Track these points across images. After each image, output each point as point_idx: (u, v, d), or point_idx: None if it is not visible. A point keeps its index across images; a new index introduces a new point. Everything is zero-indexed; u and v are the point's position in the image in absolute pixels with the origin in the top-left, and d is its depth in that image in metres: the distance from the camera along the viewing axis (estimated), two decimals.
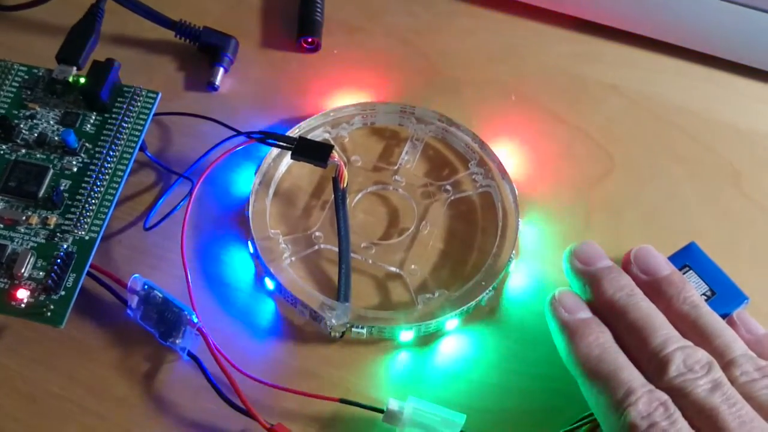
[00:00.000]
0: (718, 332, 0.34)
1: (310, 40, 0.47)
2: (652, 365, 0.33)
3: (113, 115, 0.40)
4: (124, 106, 0.41)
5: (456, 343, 0.39)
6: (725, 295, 0.38)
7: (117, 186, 0.39)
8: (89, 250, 0.37)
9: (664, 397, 0.32)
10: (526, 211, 0.42)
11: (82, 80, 0.40)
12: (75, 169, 0.39)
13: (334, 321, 0.37)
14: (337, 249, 0.39)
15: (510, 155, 0.43)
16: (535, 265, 0.41)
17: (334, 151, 0.39)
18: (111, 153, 0.39)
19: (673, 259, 0.38)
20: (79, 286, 0.36)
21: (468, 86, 0.46)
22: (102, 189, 0.38)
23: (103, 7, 0.43)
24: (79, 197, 0.38)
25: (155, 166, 0.42)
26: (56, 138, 0.40)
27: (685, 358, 0.33)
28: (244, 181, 0.42)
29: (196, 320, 0.36)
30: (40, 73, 0.41)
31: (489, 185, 0.42)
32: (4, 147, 0.39)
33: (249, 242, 0.40)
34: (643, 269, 0.37)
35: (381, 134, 0.45)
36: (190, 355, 0.36)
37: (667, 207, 0.43)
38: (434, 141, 0.44)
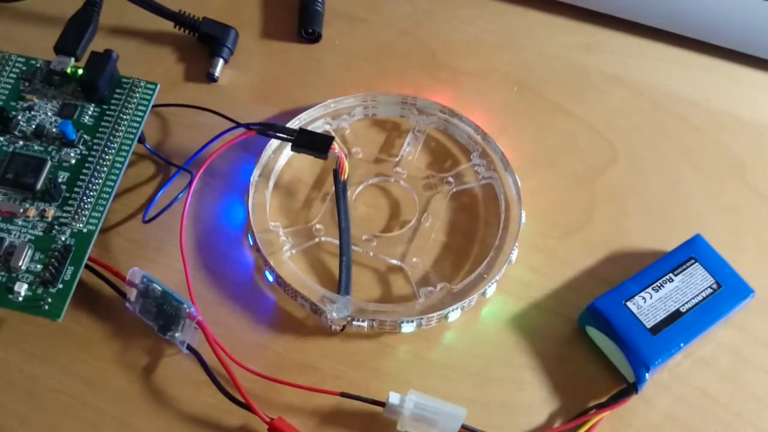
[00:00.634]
0: None
1: (310, 30, 0.47)
2: None
3: (112, 107, 0.40)
4: (123, 98, 0.40)
5: (457, 336, 0.38)
6: (731, 288, 0.37)
7: (115, 178, 0.38)
8: (87, 243, 0.37)
9: None
10: (528, 203, 0.41)
11: (80, 71, 0.40)
12: (73, 161, 0.39)
13: (334, 314, 0.37)
14: (337, 241, 0.39)
15: (512, 146, 0.43)
16: (538, 257, 0.40)
17: (334, 143, 0.38)
18: (109, 145, 0.39)
19: (679, 251, 0.38)
20: (77, 279, 0.36)
21: (470, 77, 0.46)
22: (100, 181, 0.38)
23: None
24: (77, 189, 0.38)
25: (154, 158, 0.42)
26: (54, 130, 0.39)
27: None
28: (244, 173, 0.42)
29: (195, 313, 0.36)
30: (38, 65, 0.41)
31: (491, 177, 0.42)
32: (1, 139, 0.39)
33: (249, 235, 0.40)
34: None
35: (382, 126, 0.44)
36: (190, 348, 0.36)
37: (672, 198, 0.42)
38: (436, 132, 0.44)
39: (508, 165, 0.41)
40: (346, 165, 0.39)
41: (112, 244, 0.40)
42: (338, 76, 0.46)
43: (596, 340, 0.38)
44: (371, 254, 0.40)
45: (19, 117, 0.40)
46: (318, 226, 0.41)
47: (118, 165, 0.39)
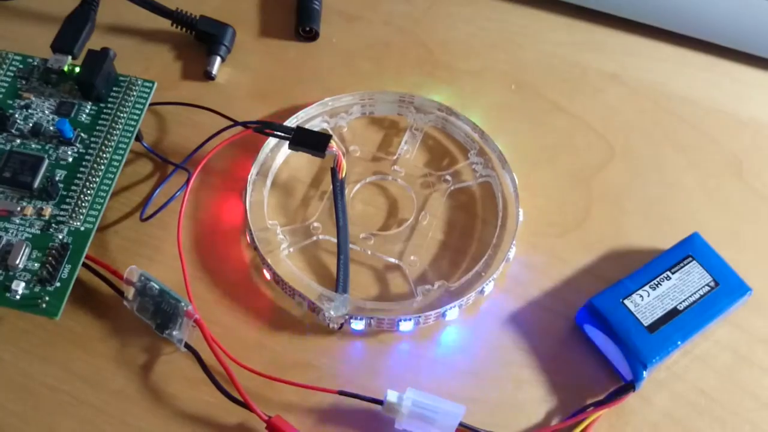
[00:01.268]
0: None
1: (308, 29, 0.46)
2: None
3: (109, 105, 0.40)
4: (120, 96, 0.40)
5: (455, 334, 0.38)
6: (728, 286, 0.37)
7: (113, 176, 0.38)
8: (85, 241, 0.37)
9: None
10: (526, 201, 0.41)
11: (78, 69, 0.40)
12: (70, 160, 0.38)
13: (332, 312, 0.37)
14: (335, 240, 0.39)
15: (510, 145, 0.43)
16: (535, 255, 0.40)
17: (332, 141, 0.38)
18: (107, 143, 0.39)
19: (676, 249, 0.38)
20: (75, 277, 0.36)
21: (467, 75, 0.46)
22: (97, 179, 0.38)
23: None
24: (74, 188, 0.38)
25: (151, 157, 0.42)
26: (51, 128, 0.39)
27: None
28: (242, 171, 0.42)
29: (192, 311, 0.36)
30: (35, 63, 0.41)
31: (489, 175, 0.42)
32: None
33: (246, 233, 0.40)
34: None
35: (380, 124, 0.44)
36: (187, 346, 0.36)
37: (669, 197, 0.42)
38: (434, 130, 0.44)
39: (506, 163, 0.42)
40: (344, 163, 0.39)
41: (110, 242, 0.40)
42: (336, 75, 0.46)
43: (594, 338, 0.38)
44: (369, 252, 0.40)
45: (17, 115, 0.39)
46: (316, 224, 0.41)
47: (115, 163, 0.39)
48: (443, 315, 0.38)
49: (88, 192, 0.38)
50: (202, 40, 0.46)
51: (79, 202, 0.37)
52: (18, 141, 0.39)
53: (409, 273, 0.40)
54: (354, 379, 0.37)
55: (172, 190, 0.40)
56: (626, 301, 0.37)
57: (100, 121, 0.40)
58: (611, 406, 0.36)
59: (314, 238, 0.40)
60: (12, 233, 0.37)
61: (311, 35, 0.47)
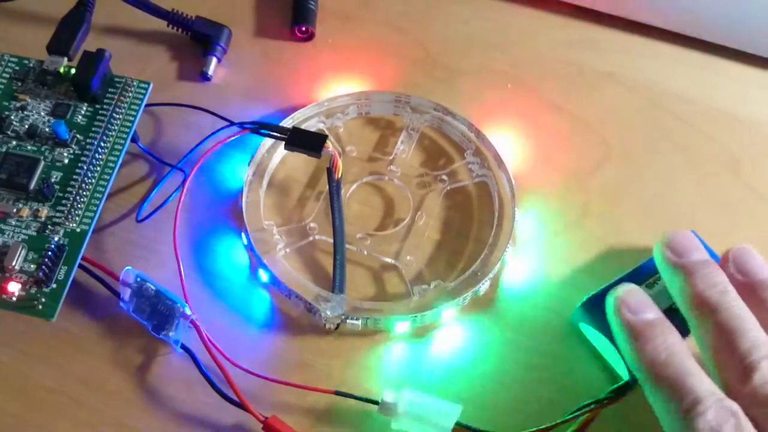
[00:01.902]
0: None
1: (303, 29, 0.46)
2: (736, 370, 0.31)
3: (104, 106, 0.40)
4: (116, 97, 0.40)
5: (452, 334, 0.38)
6: None
7: (108, 178, 0.38)
8: (81, 243, 0.37)
9: (735, 406, 0.30)
10: (522, 200, 0.41)
11: (73, 71, 0.40)
12: (66, 161, 0.38)
13: (329, 312, 0.37)
14: (331, 240, 0.39)
15: (506, 144, 0.43)
16: (532, 255, 0.40)
17: (328, 141, 0.38)
18: (102, 144, 0.39)
19: None
20: (71, 278, 0.36)
21: (463, 74, 0.46)
22: (93, 181, 0.38)
23: None
24: (70, 189, 0.38)
25: (147, 158, 0.42)
26: (47, 129, 0.39)
27: None
28: (238, 171, 0.42)
29: (189, 312, 0.36)
30: (31, 64, 0.41)
31: (485, 175, 0.42)
32: None
33: (243, 234, 0.40)
34: (740, 269, 0.35)
35: (376, 124, 0.44)
36: (184, 347, 0.36)
37: (666, 195, 0.42)
38: (430, 130, 0.44)
39: (502, 163, 0.41)
40: (340, 163, 0.39)
41: (106, 243, 0.40)
42: (332, 75, 0.46)
43: (590, 338, 0.38)
44: (365, 252, 0.40)
45: (12, 117, 0.39)
46: (312, 224, 0.41)
47: (111, 164, 0.39)
48: (440, 315, 0.38)
49: (84, 193, 0.38)
50: (197, 41, 0.46)
51: (75, 203, 0.37)
52: (14, 143, 0.39)
53: (406, 273, 0.40)
54: (350, 380, 0.37)
55: (168, 191, 0.40)
56: None
57: (95, 123, 0.40)
58: (608, 405, 0.35)
59: (310, 238, 0.40)
60: (8, 235, 0.37)
61: (307, 35, 0.47)
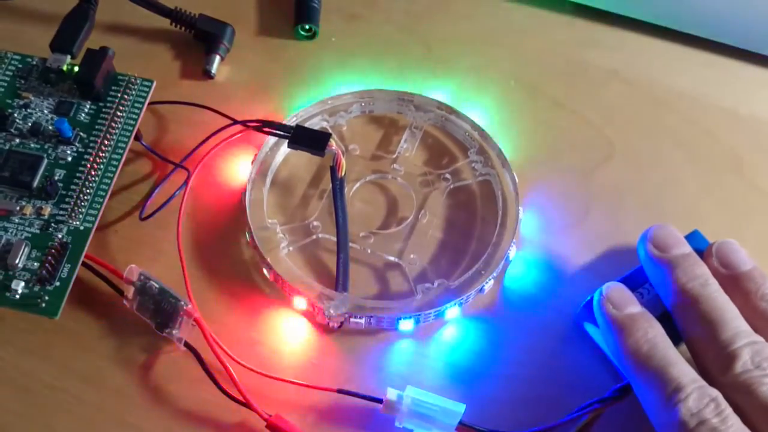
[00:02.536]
0: None
1: (307, 27, 0.46)
2: (718, 359, 0.32)
3: (108, 104, 0.40)
4: (119, 95, 0.40)
5: (455, 332, 0.38)
6: None
7: (112, 176, 0.38)
8: (84, 241, 0.37)
9: (715, 393, 0.31)
10: (526, 199, 0.41)
11: (76, 69, 0.40)
12: (69, 159, 0.38)
13: (332, 311, 0.37)
14: (335, 238, 0.39)
15: (509, 142, 0.43)
16: (535, 253, 0.40)
17: (331, 140, 0.38)
18: (106, 142, 0.39)
19: None
20: (74, 276, 0.36)
21: (467, 73, 0.46)
22: (97, 179, 0.38)
23: None
24: (73, 187, 0.38)
25: (151, 156, 0.42)
26: (50, 127, 0.39)
27: (753, 354, 0.32)
28: (241, 170, 0.42)
29: (192, 310, 0.36)
30: (34, 62, 0.41)
31: (489, 173, 0.42)
32: None
33: (246, 232, 0.40)
34: (723, 262, 0.36)
35: (379, 122, 0.44)
36: (187, 345, 0.36)
37: (669, 193, 0.42)
38: (433, 129, 0.44)
39: (506, 161, 0.41)
40: (344, 162, 0.39)
41: (109, 241, 0.40)
42: (335, 73, 0.46)
43: (594, 336, 0.37)
44: (369, 251, 0.40)
45: (16, 114, 0.39)
46: (315, 223, 0.41)
47: (114, 162, 0.39)
48: (443, 313, 0.38)
49: (88, 191, 0.38)
50: (201, 39, 0.46)
51: (79, 201, 0.37)
52: (17, 140, 0.39)
53: (409, 271, 0.40)
54: (354, 378, 0.37)
55: (171, 189, 0.40)
56: None
57: (99, 121, 0.39)
58: (612, 404, 0.35)
59: (314, 236, 0.40)
60: (11, 233, 0.37)
61: (310, 34, 0.47)
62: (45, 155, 0.38)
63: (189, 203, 0.41)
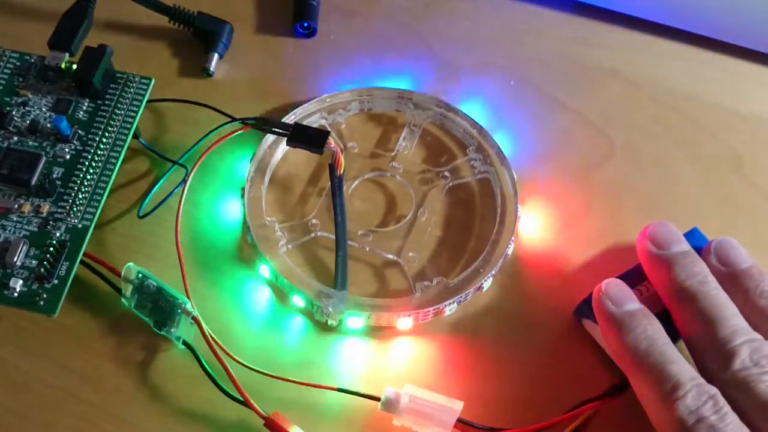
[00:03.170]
0: None
1: (306, 25, 0.46)
2: (717, 357, 0.32)
3: (106, 102, 0.40)
4: (117, 93, 0.40)
5: (454, 330, 0.38)
6: None
7: (110, 173, 0.38)
8: (82, 239, 0.37)
9: (713, 390, 0.31)
10: (525, 197, 0.41)
11: (75, 67, 0.40)
12: (68, 157, 0.38)
13: (331, 309, 0.37)
14: (333, 236, 0.39)
15: (509, 141, 0.43)
16: (534, 251, 0.40)
17: (330, 138, 0.38)
18: (104, 140, 0.39)
19: None
20: (73, 274, 0.36)
21: (466, 71, 0.46)
22: (95, 176, 0.38)
23: None
24: (71, 185, 0.38)
25: (149, 154, 0.42)
26: (48, 125, 0.39)
27: (752, 351, 0.32)
28: (240, 168, 0.42)
29: (190, 309, 0.36)
30: (32, 60, 0.41)
31: (488, 171, 0.42)
32: None
33: (244, 230, 0.40)
34: (722, 260, 0.35)
35: (378, 120, 0.44)
36: (185, 344, 0.36)
37: (669, 192, 0.42)
38: (432, 127, 0.44)
39: (505, 159, 0.41)
40: (342, 160, 0.39)
41: (108, 239, 0.40)
42: (334, 71, 0.45)
43: (593, 333, 0.37)
44: (367, 249, 0.40)
45: (14, 112, 0.39)
46: (314, 221, 0.41)
47: (112, 160, 0.38)
48: (442, 311, 0.38)
49: (86, 189, 0.38)
50: (199, 37, 0.45)
51: (77, 199, 0.37)
52: (15, 138, 0.39)
53: (408, 269, 0.39)
54: (352, 376, 0.37)
55: (169, 187, 0.40)
56: None
57: (97, 118, 0.39)
58: (611, 401, 0.35)
59: (312, 234, 0.40)
60: (9, 231, 0.37)
61: (309, 31, 0.47)
62: (43, 153, 0.38)
63: (187, 201, 0.40)
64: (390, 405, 0.35)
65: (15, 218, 0.37)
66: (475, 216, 0.41)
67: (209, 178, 0.42)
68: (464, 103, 0.43)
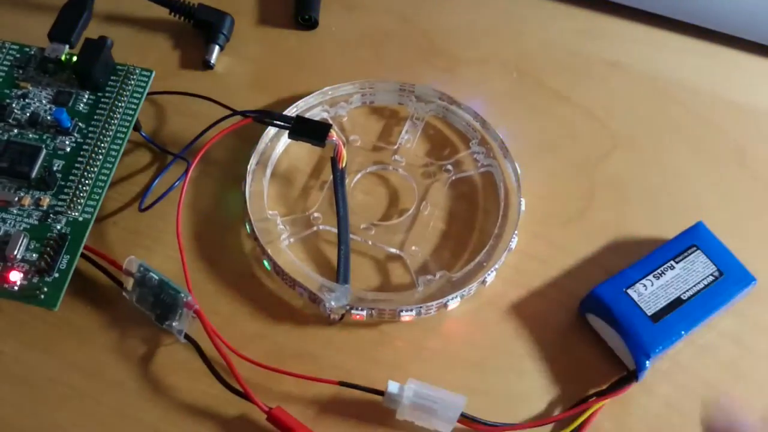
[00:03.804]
0: None
1: (307, 17, 0.46)
2: None
3: (106, 94, 0.40)
4: (118, 85, 0.40)
5: (457, 324, 0.38)
6: (733, 276, 0.37)
7: (111, 166, 0.38)
8: (83, 232, 0.36)
9: None
10: (528, 190, 0.41)
11: (75, 59, 0.39)
12: (68, 149, 0.38)
13: (333, 303, 0.37)
14: (336, 230, 0.39)
15: (511, 134, 0.42)
16: (538, 245, 0.40)
17: (332, 131, 0.38)
18: (105, 133, 0.39)
19: (680, 239, 0.38)
20: (73, 268, 0.36)
21: (469, 63, 0.45)
22: (96, 169, 0.38)
23: None
24: (72, 178, 0.37)
25: (150, 146, 0.42)
26: (49, 117, 0.39)
27: None
28: (241, 161, 0.41)
29: (192, 302, 0.35)
30: (32, 52, 0.41)
31: (490, 164, 0.42)
32: None
33: (246, 223, 0.40)
34: None
35: (380, 113, 0.44)
36: (187, 337, 0.36)
37: (672, 185, 0.42)
38: (435, 120, 0.44)
39: (508, 152, 0.41)
40: (344, 153, 0.39)
41: (109, 232, 0.40)
42: (335, 63, 0.45)
43: (596, 328, 0.37)
44: (370, 243, 0.40)
45: (14, 105, 0.39)
46: (316, 214, 0.40)
47: (113, 153, 0.38)
48: (445, 305, 0.38)
49: (87, 182, 0.37)
50: (200, 29, 0.45)
51: (78, 192, 0.37)
52: (15, 131, 0.38)
53: (411, 263, 0.39)
54: (355, 370, 0.37)
55: (171, 180, 0.40)
56: (630, 291, 0.36)
57: (97, 111, 0.39)
58: (614, 396, 0.35)
59: (314, 228, 0.40)
60: (10, 224, 0.36)
61: (310, 24, 0.46)
62: (43, 146, 0.38)
63: (188, 194, 0.40)
64: (393, 400, 0.35)
65: (15, 211, 0.37)
66: (478, 209, 0.41)
67: (210, 171, 0.41)
68: (467, 96, 0.43)
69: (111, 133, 0.39)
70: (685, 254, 0.37)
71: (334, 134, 0.38)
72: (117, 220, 0.40)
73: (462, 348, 0.38)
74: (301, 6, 0.46)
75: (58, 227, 0.36)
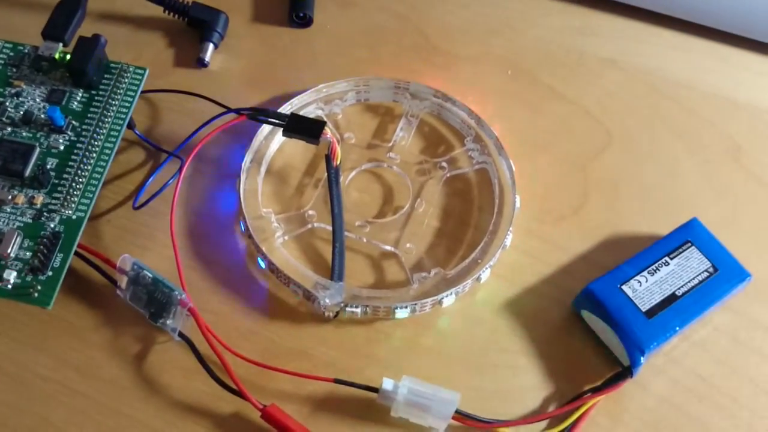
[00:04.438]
0: None
1: (301, 14, 0.46)
2: None
3: (100, 92, 0.40)
4: (112, 83, 0.40)
5: (452, 321, 0.38)
6: (727, 272, 0.37)
7: (105, 164, 0.38)
8: (77, 230, 0.36)
9: None
10: (523, 187, 0.41)
11: (68, 57, 0.39)
12: (62, 147, 0.38)
13: (327, 300, 0.37)
14: (330, 228, 0.39)
15: (506, 131, 0.42)
16: (532, 242, 0.40)
17: (326, 128, 0.38)
18: (98, 131, 0.39)
19: (675, 235, 0.38)
20: (67, 266, 0.36)
21: (463, 61, 0.45)
22: (89, 167, 0.38)
23: None
24: (66, 176, 0.37)
25: (144, 144, 0.42)
26: (42, 116, 0.39)
27: None
28: (235, 158, 0.41)
29: (186, 300, 0.35)
30: (26, 50, 0.41)
31: (485, 162, 0.42)
32: None
33: (241, 221, 0.40)
34: None
35: (375, 111, 0.44)
36: (181, 335, 0.36)
37: (667, 182, 0.42)
38: (429, 117, 0.44)
39: (502, 149, 0.41)
40: (339, 150, 0.39)
41: (102, 231, 0.39)
42: (330, 61, 0.45)
43: (591, 324, 0.37)
44: (364, 240, 0.40)
45: (7, 103, 0.39)
46: (310, 212, 0.40)
47: (107, 151, 0.38)
48: (439, 302, 0.38)
49: (80, 180, 0.37)
50: (194, 27, 0.45)
51: (71, 190, 0.37)
52: (9, 129, 0.38)
53: (405, 260, 0.39)
54: (349, 368, 0.37)
55: (165, 178, 0.40)
56: (624, 287, 0.36)
57: (91, 109, 0.39)
58: (609, 392, 0.35)
59: (309, 226, 0.40)
60: (3, 222, 0.36)
61: (305, 21, 0.46)
62: (37, 144, 0.38)
63: (183, 192, 0.40)
64: (388, 397, 0.35)
65: (9, 209, 0.37)
66: (472, 207, 0.41)
67: (205, 169, 0.41)
68: (461, 93, 0.43)
69: (105, 131, 0.39)
70: (680, 250, 0.37)
71: (329, 131, 0.38)
72: (111, 218, 0.40)
73: (457, 345, 0.38)
74: (296, 3, 0.46)
75: (52, 225, 0.36)
